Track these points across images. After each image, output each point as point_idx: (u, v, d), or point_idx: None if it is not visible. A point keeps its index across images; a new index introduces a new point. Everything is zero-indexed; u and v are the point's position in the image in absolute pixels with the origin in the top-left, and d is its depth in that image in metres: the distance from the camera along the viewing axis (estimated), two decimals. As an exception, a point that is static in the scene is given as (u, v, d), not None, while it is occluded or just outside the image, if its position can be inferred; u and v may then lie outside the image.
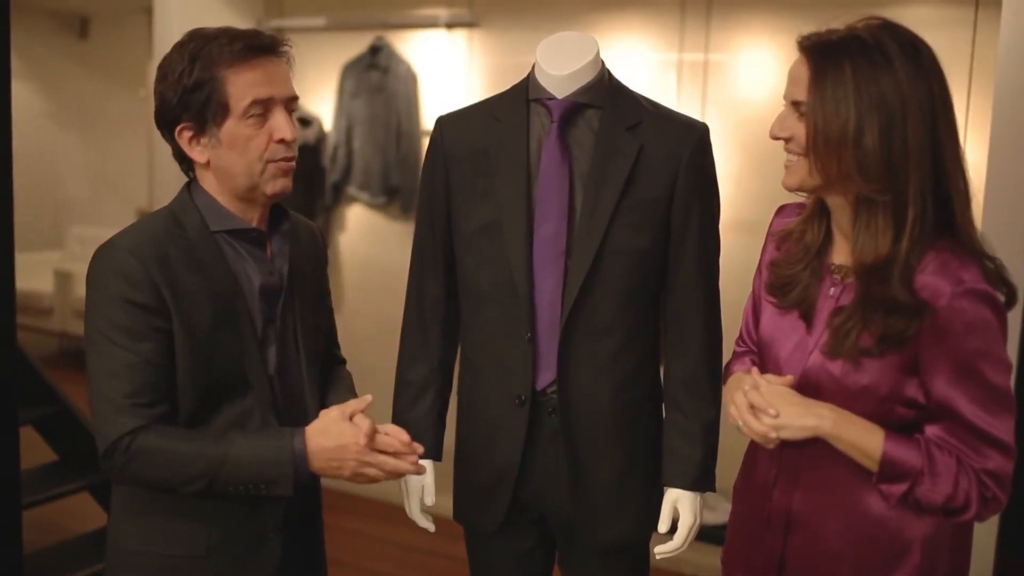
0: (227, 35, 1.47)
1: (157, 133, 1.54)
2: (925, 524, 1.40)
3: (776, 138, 1.43)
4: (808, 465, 1.47)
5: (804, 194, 1.48)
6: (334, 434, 1.44)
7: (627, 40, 3.71)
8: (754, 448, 1.58)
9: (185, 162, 1.55)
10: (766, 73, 3.49)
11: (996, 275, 1.35)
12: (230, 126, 1.47)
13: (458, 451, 1.83)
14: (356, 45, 4.15)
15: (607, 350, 1.69)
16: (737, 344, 1.70)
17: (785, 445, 1.43)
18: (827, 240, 1.49)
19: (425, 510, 1.85)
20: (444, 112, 1.80)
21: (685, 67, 3.63)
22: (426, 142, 1.91)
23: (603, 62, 1.71)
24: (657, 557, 1.75)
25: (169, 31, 3.86)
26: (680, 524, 1.73)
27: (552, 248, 1.66)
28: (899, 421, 1.39)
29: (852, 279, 1.42)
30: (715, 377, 1.75)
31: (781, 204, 1.64)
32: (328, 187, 4.25)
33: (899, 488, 1.36)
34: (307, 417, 1.53)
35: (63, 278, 6.52)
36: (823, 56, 1.34)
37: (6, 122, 2.32)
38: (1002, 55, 2.47)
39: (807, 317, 1.47)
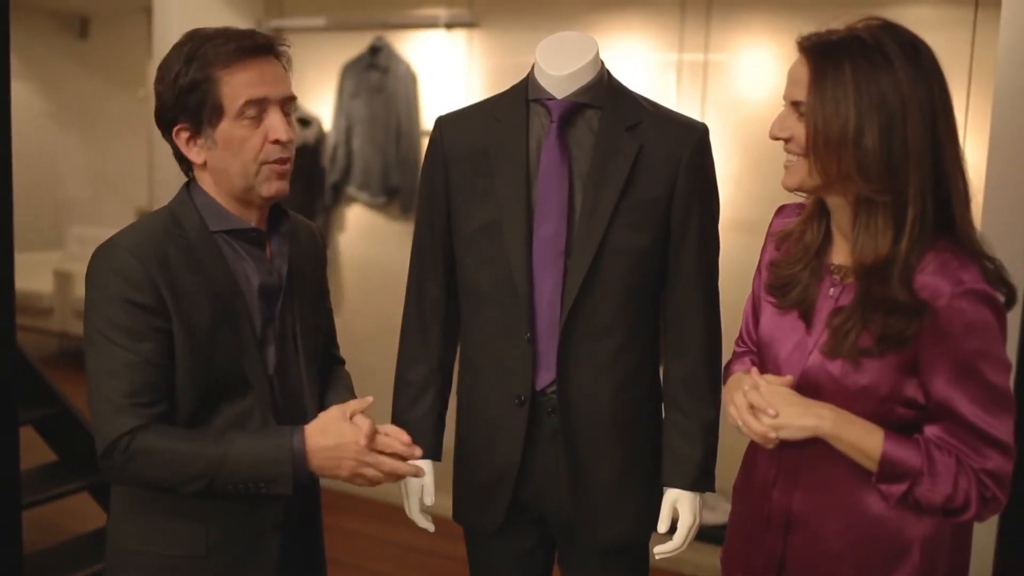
0: (223, 36, 1.47)
1: (157, 133, 1.54)
2: (925, 524, 1.41)
3: (776, 138, 1.43)
4: (808, 465, 1.47)
5: (804, 194, 1.48)
6: (333, 433, 1.44)
7: (627, 40, 3.71)
8: (754, 448, 1.58)
9: (184, 162, 1.55)
10: (766, 73, 3.49)
11: (996, 275, 1.35)
12: (225, 127, 1.47)
13: (458, 451, 1.83)
14: (356, 45, 4.15)
15: (607, 350, 1.69)
16: (737, 344, 1.70)
17: (785, 445, 1.43)
18: (827, 240, 1.49)
19: (425, 510, 1.85)
20: (444, 112, 1.80)
21: (685, 67, 3.63)
22: (426, 142, 1.91)
23: (603, 62, 1.71)
24: (657, 557, 1.75)
25: (169, 31, 3.86)
26: (680, 524, 1.73)
27: (552, 248, 1.66)
28: (899, 421, 1.39)
29: (852, 279, 1.42)
30: (715, 377, 1.75)
31: (781, 204, 1.64)
32: (328, 187, 4.25)
33: (899, 488, 1.36)
34: (306, 417, 1.53)
35: (63, 278, 6.52)
36: (823, 56, 1.34)
37: (6, 122, 2.32)
38: (1001, 55, 2.47)
39: (807, 317, 1.47)
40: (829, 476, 1.44)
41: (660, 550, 1.73)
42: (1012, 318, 1.74)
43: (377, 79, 4.11)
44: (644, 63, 3.69)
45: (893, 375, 1.37)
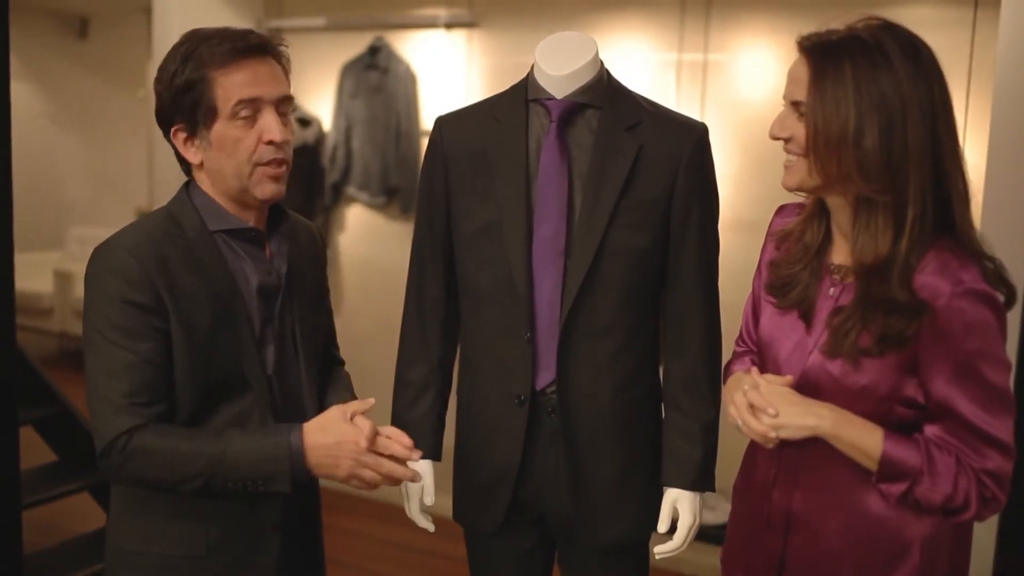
0: (219, 36, 1.46)
1: (156, 133, 1.54)
2: (925, 524, 1.41)
3: (776, 138, 1.43)
4: (808, 465, 1.47)
5: (804, 194, 1.48)
6: (333, 432, 1.43)
7: (627, 40, 3.71)
8: (754, 448, 1.58)
9: (185, 162, 1.55)
10: (766, 73, 3.49)
11: (995, 275, 1.35)
12: (219, 127, 1.47)
13: (458, 451, 1.83)
14: (355, 45, 4.15)
15: (607, 350, 1.69)
16: (737, 344, 1.70)
17: (784, 445, 1.43)
18: (827, 240, 1.49)
19: (425, 510, 1.85)
20: (443, 112, 1.80)
21: (684, 67, 3.64)
22: (425, 142, 1.91)
23: (602, 62, 1.71)
24: (657, 557, 1.75)
25: (168, 31, 3.86)
26: (680, 524, 1.73)
27: (551, 248, 1.66)
28: (899, 421, 1.39)
29: (851, 279, 1.42)
30: (715, 377, 1.75)
31: (781, 204, 1.64)
32: (327, 187, 4.25)
33: (898, 488, 1.36)
34: (305, 417, 1.53)
35: (63, 278, 6.52)
36: (823, 56, 1.34)
37: (6, 122, 2.32)
38: (1001, 55, 2.47)
39: (807, 317, 1.47)
40: (829, 476, 1.44)
41: (660, 550, 1.73)
42: (1012, 318, 1.74)
43: (377, 79, 4.11)
44: (644, 63, 3.69)
45: (893, 375, 1.37)
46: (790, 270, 1.50)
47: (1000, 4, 2.48)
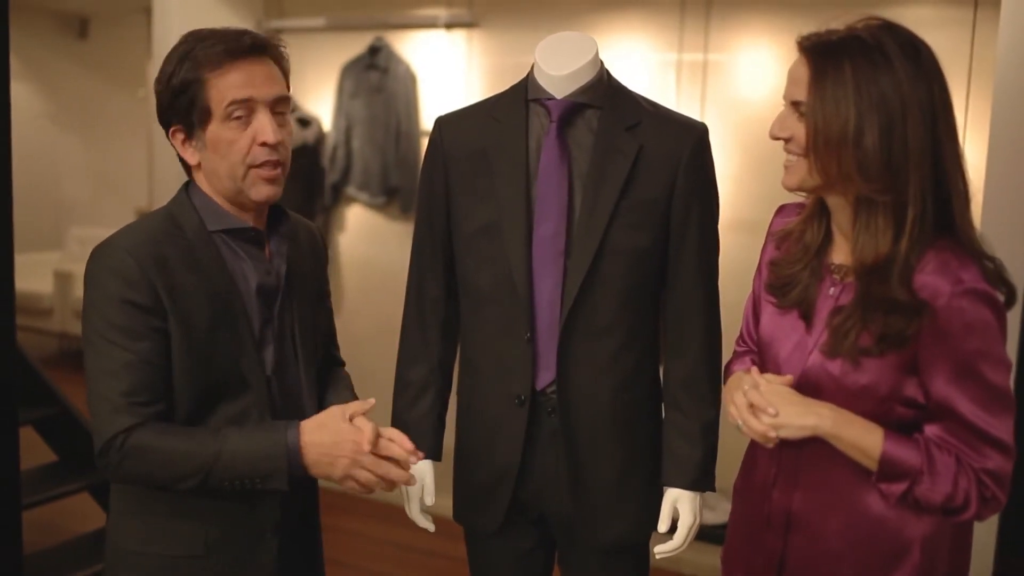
0: (214, 37, 1.46)
1: (156, 133, 1.54)
2: (925, 524, 1.41)
3: (776, 138, 1.43)
4: (808, 465, 1.47)
5: (804, 194, 1.48)
6: (331, 430, 1.43)
7: (627, 40, 3.71)
8: (754, 448, 1.58)
9: (185, 162, 1.55)
10: (766, 73, 3.49)
11: (995, 275, 1.35)
12: (213, 128, 1.47)
13: (458, 451, 1.83)
14: (355, 45, 4.15)
15: (607, 350, 1.69)
16: (737, 344, 1.70)
17: (784, 444, 1.43)
18: (827, 240, 1.49)
19: (425, 510, 1.85)
20: (443, 112, 1.80)
21: (684, 67, 3.63)
22: (425, 142, 1.91)
23: (602, 62, 1.71)
24: (657, 557, 1.75)
25: (168, 31, 3.86)
26: (680, 524, 1.73)
27: (551, 248, 1.66)
28: (899, 421, 1.39)
29: (852, 279, 1.42)
30: (715, 377, 1.75)
31: (781, 204, 1.64)
32: (327, 187, 4.25)
33: (898, 487, 1.36)
34: (304, 417, 1.52)
35: (63, 279, 6.52)
36: (823, 56, 1.34)
37: (6, 123, 2.32)
38: (1001, 55, 2.47)
39: (807, 317, 1.47)
40: (829, 475, 1.44)
41: (660, 550, 1.73)
42: (1012, 318, 1.74)
43: (377, 79, 4.11)
44: (644, 63, 3.69)
45: (893, 374, 1.37)
46: (790, 270, 1.50)
47: (1000, 4, 2.48)
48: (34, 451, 3.27)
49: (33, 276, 6.48)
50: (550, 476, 1.73)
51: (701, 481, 1.73)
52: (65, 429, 3.39)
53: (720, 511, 3.41)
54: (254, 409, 1.50)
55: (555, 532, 1.82)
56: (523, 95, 1.71)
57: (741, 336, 1.69)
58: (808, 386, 1.43)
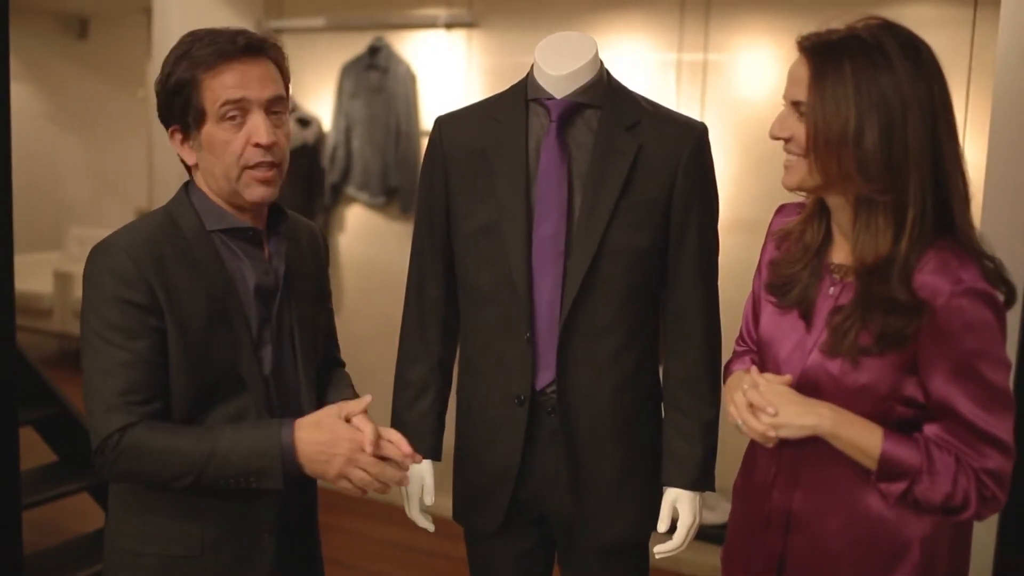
0: (210, 37, 1.46)
1: (156, 133, 1.54)
2: (925, 523, 1.41)
3: (776, 138, 1.43)
4: (807, 464, 1.47)
5: (804, 193, 1.48)
6: (327, 428, 1.42)
7: (626, 40, 3.72)
8: (754, 447, 1.58)
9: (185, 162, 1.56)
10: (765, 73, 3.49)
11: (995, 274, 1.35)
12: (208, 129, 1.47)
13: (458, 451, 1.83)
14: (355, 45, 4.15)
15: (606, 350, 1.69)
16: (737, 344, 1.70)
17: (784, 444, 1.43)
18: (827, 239, 1.49)
19: (425, 510, 1.85)
20: (443, 112, 1.80)
21: (684, 67, 3.64)
22: (425, 142, 1.91)
23: (602, 62, 1.71)
24: (656, 556, 1.75)
25: (168, 31, 3.86)
26: (679, 523, 1.73)
27: (551, 248, 1.66)
28: (898, 420, 1.39)
29: (851, 278, 1.42)
30: (715, 377, 1.75)
31: (781, 204, 1.64)
32: (327, 187, 4.25)
33: (898, 487, 1.36)
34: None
35: (63, 279, 6.52)
36: (823, 56, 1.34)
37: (5, 123, 2.32)
38: (1001, 55, 2.47)
39: (806, 316, 1.47)
40: (829, 475, 1.44)
41: (660, 549, 1.73)
42: (1012, 317, 1.74)
43: (376, 79, 4.11)
44: (644, 63, 3.69)
45: (893, 374, 1.37)
46: (790, 269, 1.50)
47: (1000, 4, 2.48)
48: (34, 451, 3.27)
49: (33, 276, 6.49)
50: (550, 476, 1.73)
51: (701, 481, 1.73)
52: (65, 429, 3.39)
53: (720, 511, 3.41)
54: (252, 409, 1.50)
55: (555, 532, 1.82)
56: (523, 95, 1.71)
57: (741, 336, 1.69)
58: (808, 386, 1.43)
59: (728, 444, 1.83)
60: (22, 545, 2.48)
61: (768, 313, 1.54)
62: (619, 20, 3.72)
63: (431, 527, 1.85)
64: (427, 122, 4.02)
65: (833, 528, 1.45)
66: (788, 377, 1.42)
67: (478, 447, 1.78)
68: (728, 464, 1.80)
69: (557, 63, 1.67)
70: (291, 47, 1.58)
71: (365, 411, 1.46)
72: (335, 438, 1.41)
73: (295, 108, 4.13)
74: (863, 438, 1.37)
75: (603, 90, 1.69)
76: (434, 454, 1.84)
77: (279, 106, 1.50)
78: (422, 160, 1.82)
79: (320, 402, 1.64)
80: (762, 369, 1.51)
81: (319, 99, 4.29)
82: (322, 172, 4.24)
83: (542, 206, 1.66)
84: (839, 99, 1.32)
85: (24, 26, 6.78)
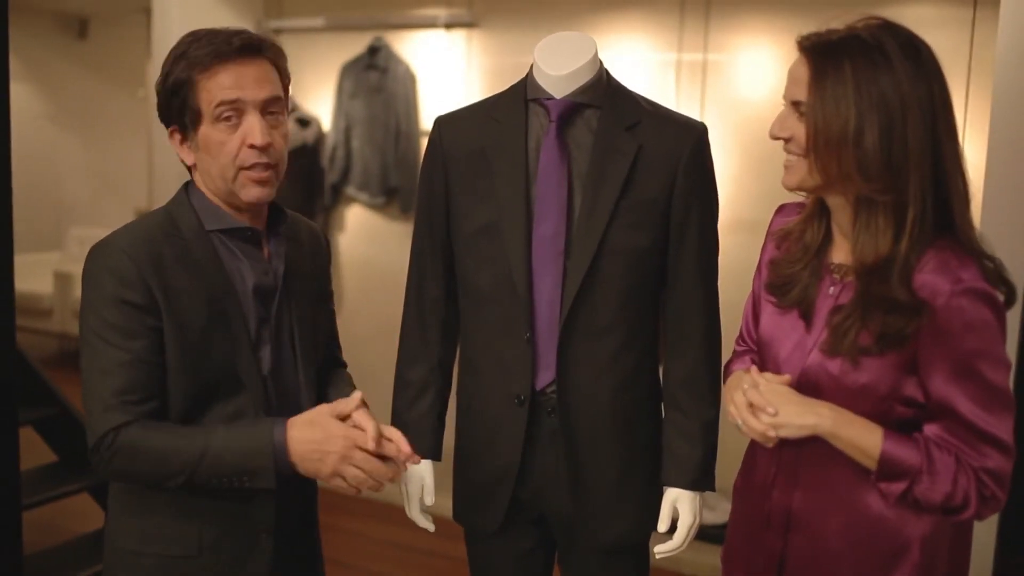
0: (208, 37, 1.46)
1: (156, 133, 1.55)
2: (925, 523, 1.41)
3: (776, 138, 1.43)
4: (807, 464, 1.47)
5: (804, 193, 1.48)
6: (320, 426, 1.42)
7: (626, 40, 3.72)
8: (754, 447, 1.58)
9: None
10: (765, 73, 3.49)
11: (995, 274, 1.35)
12: (204, 130, 1.47)
13: (458, 451, 1.83)
14: (355, 45, 4.15)
15: (606, 350, 1.69)
16: (737, 343, 1.70)
17: (784, 444, 1.43)
18: (827, 239, 1.49)
19: (425, 510, 1.85)
20: (443, 112, 1.80)
21: (684, 67, 3.64)
22: (425, 142, 1.91)
23: (601, 62, 1.71)
24: (657, 556, 1.75)
25: (168, 31, 3.86)
26: (680, 523, 1.73)
27: (551, 248, 1.66)
28: (898, 420, 1.39)
29: (851, 278, 1.42)
30: (715, 376, 1.75)
31: (781, 203, 1.64)
32: (327, 187, 4.25)
33: (898, 487, 1.36)
34: None
35: (63, 279, 6.52)
36: (823, 56, 1.34)
37: (5, 123, 2.32)
38: (1000, 55, 2.47)
39: (806, 316, 1.48)
40: (829, 475, 1.45)
41: (660, 549, 1.73)
42: (1012, 317, 1.74)
43: (376, 79, 4.11)
44: (644, 63, 3.69)
45: (892, 374, 1.37)
46: (790, 269, 1.50)
47: (1000, 4, 2.48)
48: (34, 451, 3.27)
49: (33, 277, 6.48)
50: (550, 476, 1.73)
51: (701, 481, 1.73)
52: (65, 429, 3.39)
53: (720, 511, 3.41)
54: (250, 409, 1.50)
55: (555, 532, 1.82)
56: (522, 95, 1.71)
57: (741, 335, 1.69)
58: (808, 385, 1.43)
59: (728, 444, 1.83)
60: (22, 545, 2.48)
61: (768, 313, 1.54)
62: (619, 20, 3.72)
63: (431, 527, 1.85)
64: (427, 122, 4.02)
65: (833, 528, 1.45)
66: (787, 377, 1.42)
67: (478, 447, 1.78)
68: (728, 464, 1.80)
69: (557, 63, 1.67)
70: (291, 47, 1.58)
71: (367, 408, 1.46)
72: (328, 436, 1.41)
73: (295, 108, 4.13)
74: (863, 438, 1.37)
75: (603, 90, 1.69)
76: (434, 454, 1.84)
77: (275, 107, 1.50)
78: (422, 160, 1.82)
79: (320, 402, 1.64)
80: (762, 369, 1.51)
81: (319, 99, 4.29)
82: (322, 172, 4.24)
83: (542, 206, 1.66)
84: (839, 99, 1.32)
85: (24, 26, 6.78)
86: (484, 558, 1.87)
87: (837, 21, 1.38)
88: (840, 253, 1.46)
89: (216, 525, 1.50)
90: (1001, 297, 1.34)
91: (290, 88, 1.57)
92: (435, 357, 1.83)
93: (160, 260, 1.45)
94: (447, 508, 1.88)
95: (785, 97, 1.41)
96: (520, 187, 1.67)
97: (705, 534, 2.90)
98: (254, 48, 1.48)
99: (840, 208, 1.43)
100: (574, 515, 1.74)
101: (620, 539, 1.75)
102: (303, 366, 1.59)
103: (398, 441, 1.44)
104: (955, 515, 1.36)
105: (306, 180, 4.21)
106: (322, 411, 1.44)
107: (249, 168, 1.47)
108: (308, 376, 1.60)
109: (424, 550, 3.58)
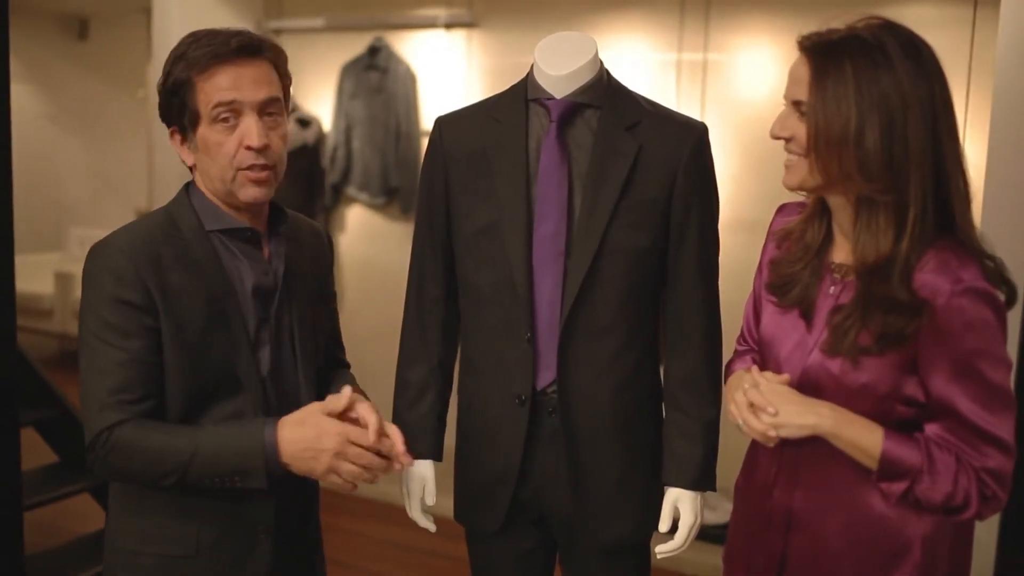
0: (207, 38, 1.47)
1: (156, 133, 1.55)
2: (926, 523, 1.41)
3: (776, 138, 1.43)
4: (808, 464, 1.47)
5: (804, 193, 1.48)
6: (311, 425, 1.41)
7: (627, 40, 3.72)
8: (755, 447, 1.58)
9: (187, 162, 1.56)
10: (766, 73, 3.49)
11: (996, 274, 1.35)
12: (202, 131, 1.47)
13: (458, 451, 1.83)
14: (355, 45, 4.16)
15: (607, 350, 1.69)
16: (738, 343, 1.70)
17: (785, 444, 1.43)
18: (827, 239, 1.49)
19: (426, 510, 1.85)
20: (443, 112, 1.80)
21: (684, 67, 3.64)
22: (425, 142, 1.91)
23: (602, 62, 1.71)
24: (658, 556, 1.75)
25: (168, 32, 3.86)
26: (681, 523, 1.73)
27: (551, 248, 1.66)
28: (899, 419, 1.39)
29: (852, 278, 1.42)
30: (715, 376, 1.75)
31: (781, 203, 1.64)
32: (327, 188, 4.25)
33: (899, 487, 1.36)
34: None
35: (63, 280, 6.53)
36: (824, 56, 1.34)
37: (6, 124, 2.32)
38: (1000, 55, 2.47)
39: (807, 316, 1.48)
40: (830, 475, 1.45)
41: (661, 549, 1.73)
42: (1012, 317, 1.74)
43: (376, 79, 4.11)
44: (644, 63, 3.70)
45: (893, 373, 1.37)
46: (791, 269, 1.50)
47: (1000, 4, 2.48)
48: (35, 452, 3.27)
49: (33, 277, 6.49)
50: (551, 476, 1.73)
51: (702, 481, 1.73)
52: (66, 430, 3.39)
53: (721, 511, 3.41)
54: (249, 410, 1.50)
55: (556, 532, 1.82)
56: (523, 95, 1.71)
57: (741, 335, 1.69)
58: (808, 385, 1.43)
59: (729, 444, 1.83)
60: (23, 546, 2.48)
61: (769, 312, 1.54)
62: (619, 20, 3.72)
63: (432, 527, 1.85)
64: (427, 122, 4.02)
65: (834, 528, 1.45)
66: (786, 376, 1.42)
67: (479, 447, 1.77)
68: (729, 464, 1.80)
69: (557, 63, 1.67)
70: (291, 47, 1.58)
71: (370, 403, 1.46)
72: (320, 433, 1.41)
73: (295, 108, 4.13)
74: (863, 438, 1.37)
75: (603, 90, 1.69)
76: (435, 454, 1.84)
77: (273, 108, 1.50)
78: (422, 160, 1.82)
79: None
80: (763, 368, 1.52)
81: (319, 99, 4.29)
82: (322, 172, 4.24)
83: (542, 206, 1.66)
84: (840, 99, 1.32)
85: (24, 27, 6.78)
86: (485, 558, 1.87)
87: (837, 21, 1.38)
88: (841, 253, 1.46)
89: (215, 525, 1.50)
90: (1002, 297, 1.34)
91: (290, 89, 1.58)
92: (435, 357, 1.83)
93: (159, 260, 1.45)
94: (448, 508, 1.88)
95: (786, 97, 1.41)
96: (521, 187, 1.66)
97: (706, 534, 2.90)
98: (252, 49, 1.48)
99: (841, 208, 1.43)
100: (575, 515, 1.74)
101: (621, 539, 1.75)
102: (303, 367, 1.59)
103: (395, 439, 1.44)
104: (956, 515, 1.36)
105: (306, 180, 4.21)
106: (312, 410, 1.44)
107: (247, 168, 1.48)
108: (308, 377, 1.60)
109: (425, 550, 3.58)
